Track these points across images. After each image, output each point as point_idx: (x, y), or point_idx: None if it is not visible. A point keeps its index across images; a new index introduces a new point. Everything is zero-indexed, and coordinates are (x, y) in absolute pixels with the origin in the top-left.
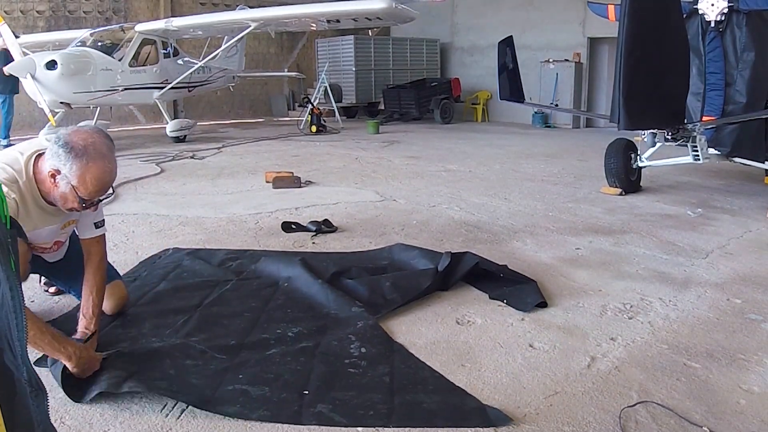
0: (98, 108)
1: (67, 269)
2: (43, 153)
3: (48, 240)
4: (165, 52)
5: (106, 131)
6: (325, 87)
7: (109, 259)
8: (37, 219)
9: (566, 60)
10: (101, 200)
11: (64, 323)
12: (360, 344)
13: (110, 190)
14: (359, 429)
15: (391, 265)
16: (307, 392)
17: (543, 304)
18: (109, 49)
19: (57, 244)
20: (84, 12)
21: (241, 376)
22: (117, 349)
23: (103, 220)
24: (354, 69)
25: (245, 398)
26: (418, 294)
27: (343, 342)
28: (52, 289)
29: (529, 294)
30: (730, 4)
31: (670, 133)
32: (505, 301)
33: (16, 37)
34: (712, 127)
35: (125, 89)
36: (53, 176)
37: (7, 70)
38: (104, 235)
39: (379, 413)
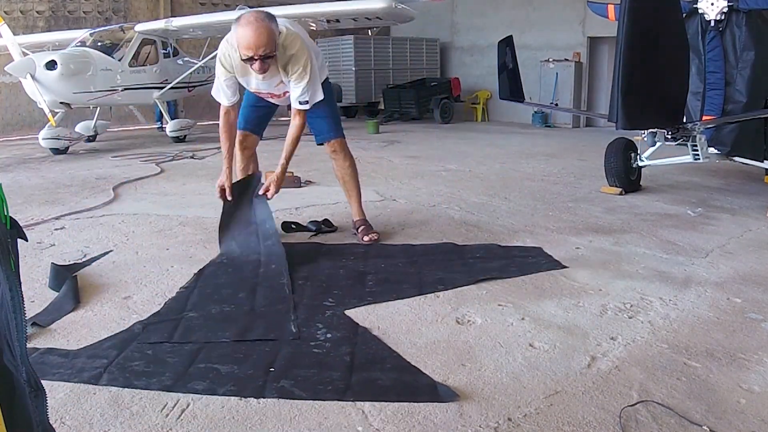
0: (98, 108)
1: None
2: None
3: (265, 90)
4: (165, 52)
5: (267, 12)
6: None
7: (110, 258)
8: (253, 75)
9: (566, 60)
10: (260, 57)
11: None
12: (326, 330)
13: (266, 49)
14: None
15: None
16: (272, 369)
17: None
18: (109, 49)
19: (272, 95)
20: (84, 12)
21: (212, 356)
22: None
23: (308, 101)
24: (354, 69)
25: (215, 375)
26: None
27: (311, 328)
28: None
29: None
30: (729, 4)
31: (669, 133)
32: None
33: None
34: (712, 127)
35: (125, 89)
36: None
37: (7, 69)
38: (305, 111)
39: (337, 388)
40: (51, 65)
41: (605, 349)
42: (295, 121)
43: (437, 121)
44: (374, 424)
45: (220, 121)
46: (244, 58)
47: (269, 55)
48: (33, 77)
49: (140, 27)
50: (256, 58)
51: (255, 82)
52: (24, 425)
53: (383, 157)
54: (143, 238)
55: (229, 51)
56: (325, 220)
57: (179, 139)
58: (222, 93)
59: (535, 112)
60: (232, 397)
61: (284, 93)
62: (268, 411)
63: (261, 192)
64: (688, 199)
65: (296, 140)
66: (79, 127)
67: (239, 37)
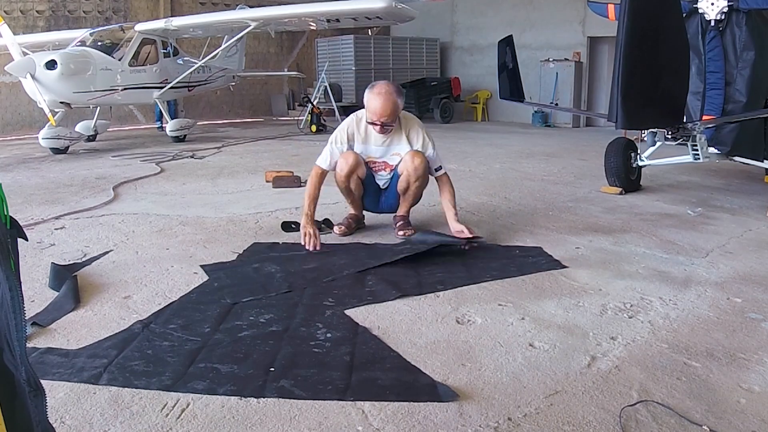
0: (98, 108)
1: (386, 195)
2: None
3: (380, 158)
4: (165, 51)
5: (397, 85)
6: (325, 86)
7: (110, 258)
8: (372, 139)
9: (566, 59)
10: (382, 124)
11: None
12: (326, 330)
13: (389, 119)
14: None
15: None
16: (273, 369)
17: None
18: (109, 49)
19: (385, 164)
20: (84, 12)
21: (212, 356)
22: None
23: (441, 167)
24: (354, 68)
25: (215, 374)
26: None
27: (310, 327)
28: (338, 230)
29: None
30: (729, 3)
31: (669, 132)
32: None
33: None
34: (712, 126)
35: (125, 89)
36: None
37: (7, 69)
38: (447, 174)
39: (337, 388)
40: (51, 65)
41: (605, 349)
42: (446, 188)
43: (437, 121)
44: (374, 424)
45: (310, 181)
46: (369, 120)
47: (390, 124)
48: (33, 77)
49: (140, 27)
50: (378, 123)
51: (374, 149)
52: (24, 425)
53: None
54: (143, 237)
55: (354, 124)
56: (326, 219)
57: (179, 139)
58: (327, 157)
59: (535, 111)
60: (232, 397)
61: (394, 166)
62: (268, 411)
63: (457, 236)
64: (688, 199)
65: (454, 194)
66: (79, 127)
67: (370, 102)
